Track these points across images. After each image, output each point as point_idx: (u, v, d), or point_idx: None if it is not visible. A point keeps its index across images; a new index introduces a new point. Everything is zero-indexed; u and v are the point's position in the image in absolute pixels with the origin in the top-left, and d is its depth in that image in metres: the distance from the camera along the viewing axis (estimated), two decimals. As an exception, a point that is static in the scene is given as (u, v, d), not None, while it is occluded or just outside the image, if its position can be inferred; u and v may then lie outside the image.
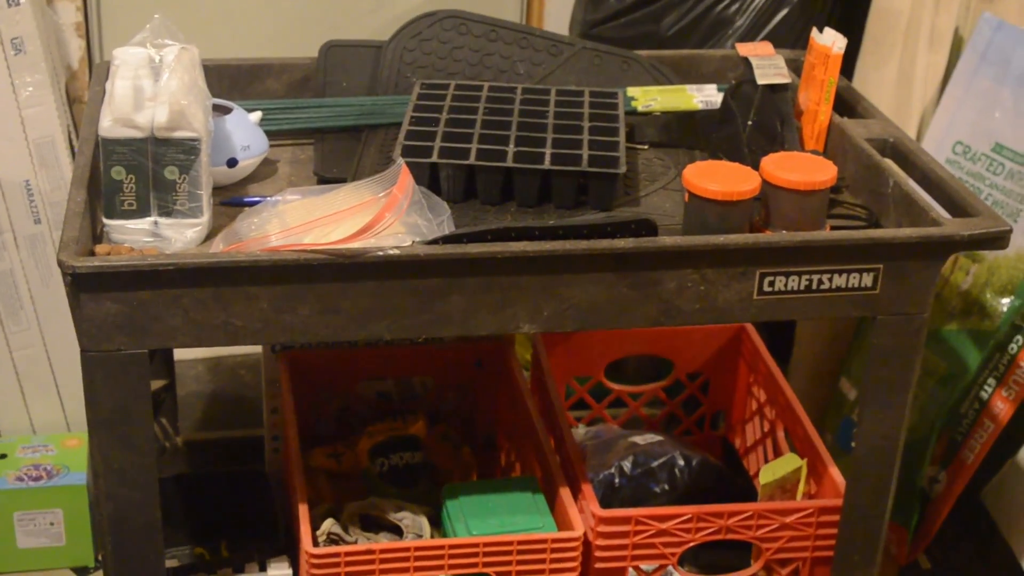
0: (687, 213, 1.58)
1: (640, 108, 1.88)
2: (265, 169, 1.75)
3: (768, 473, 1.80)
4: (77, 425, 2.33)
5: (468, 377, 2.09)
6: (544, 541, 1.67)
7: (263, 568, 1.85)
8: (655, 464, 1.96)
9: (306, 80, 1.92)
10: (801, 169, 1.59)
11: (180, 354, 2.42)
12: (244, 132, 1.69)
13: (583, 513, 1.72)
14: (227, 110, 1.71)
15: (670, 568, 1.74)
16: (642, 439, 2.03)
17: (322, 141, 1.80)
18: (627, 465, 1.96)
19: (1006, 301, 2.08)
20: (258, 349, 2.19)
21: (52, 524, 2.17)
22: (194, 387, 2.44)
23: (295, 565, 1.80)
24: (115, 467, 1.52)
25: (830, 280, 1.56)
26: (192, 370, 2.47)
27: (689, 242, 1.52)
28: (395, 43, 1.91)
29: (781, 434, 2.00)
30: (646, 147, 1.86)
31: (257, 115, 1.75)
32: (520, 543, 1.67)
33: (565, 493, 1.74)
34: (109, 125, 1.50)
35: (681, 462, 1.96)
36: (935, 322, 2.15)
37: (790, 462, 1.82)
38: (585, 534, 1.69)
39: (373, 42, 1.93)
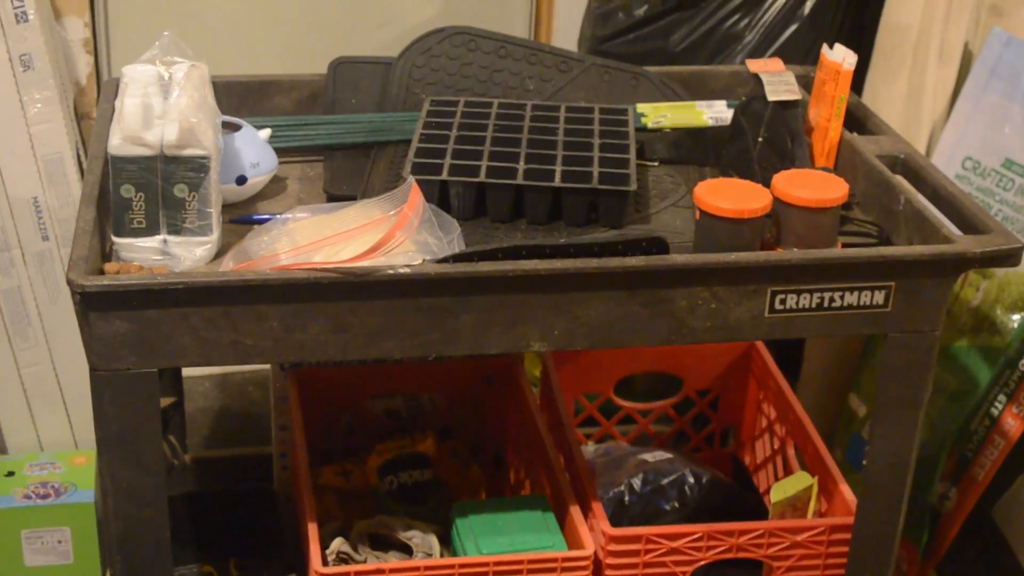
0: (698, 231, 1.57)
1: (650, 125, 1.88)
2: (274, 186, 1.75)
3: (779, 491, 1.80)
4: (85, 443, 2.32)
5: (477, 394, 2.08)
6: (554, 560, 1.66)
7: (271, 586, 1.84)
8: (665, 482, 1.95)
9: (315, 97, 1.92)
10: (812, 186, 1.58)
11: (187, 371, 2.41)
12: (253, 149, 1.69)
13: (593, 531, 1.71)
14: (236, 127, 1.71)
15: (681, 587, 1.74)
16: (652, 456, 2.02)
17: (331, 158, 1.80)
18: (637, 483, 1.95)
19: (1016, 317, 2.08)
20: (266, 366, 2.19)
21: (60, 542, 2.16)
22: (202, 403, 2.43)
23: (304, 584, 1.80)
24: (124, 486, 1.51)
25: (842, 298, 1.55)
26: (200, 386, 2.47)
27: (700, 260, 1.51)
28: (404, 60, 1.90)
29: (791, 451, 1.99)
30: (656, 164, 1.85)
31: (266, 132, 1.74)
32: (530, 562, 1.66)
33: (575, 511, 1.73)
34: (118, 143, 1.49)
35: (691, 480, 1.96)
36: (945, 338, 2.14)
37: (801, 480, 1.82)
38: (595, 552, 1.69)
39: (382, 59, 1.93)
